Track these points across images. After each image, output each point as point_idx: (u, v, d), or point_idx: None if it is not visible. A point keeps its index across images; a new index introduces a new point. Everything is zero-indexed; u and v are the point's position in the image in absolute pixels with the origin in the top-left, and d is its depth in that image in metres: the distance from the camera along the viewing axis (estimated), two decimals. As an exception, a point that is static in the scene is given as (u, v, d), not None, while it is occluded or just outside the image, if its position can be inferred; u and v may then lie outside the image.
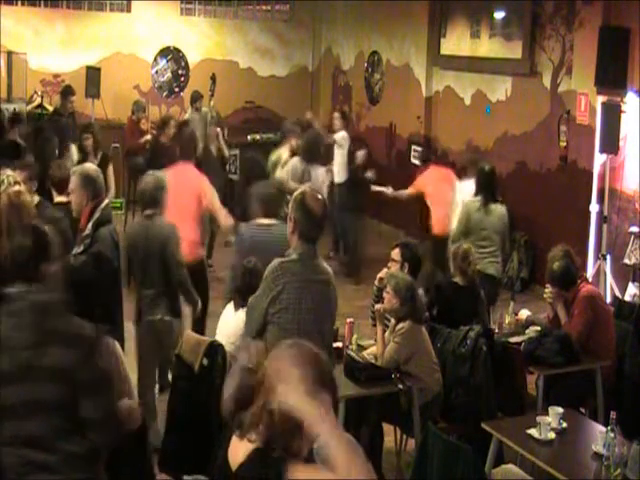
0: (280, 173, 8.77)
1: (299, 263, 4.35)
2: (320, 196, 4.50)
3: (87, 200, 5.35)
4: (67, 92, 11.92)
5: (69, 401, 3.17)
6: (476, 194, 7.56)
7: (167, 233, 5.86)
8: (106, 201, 5.51)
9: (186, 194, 7.11)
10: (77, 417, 3.19)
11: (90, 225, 5.19)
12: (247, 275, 5.42)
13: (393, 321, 5.49)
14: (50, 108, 12.27)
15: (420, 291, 5.65)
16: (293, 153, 9.07)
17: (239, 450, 2.69)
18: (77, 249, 5.11)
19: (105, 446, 3.28)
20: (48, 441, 3.19)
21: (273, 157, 9.25)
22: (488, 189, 7.48)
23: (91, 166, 5.55)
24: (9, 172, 5.38)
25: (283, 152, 9.29)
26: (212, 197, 7.29)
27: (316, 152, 8.77)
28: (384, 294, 5.49)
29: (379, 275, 6.05)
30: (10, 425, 3.22)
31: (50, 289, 3.27)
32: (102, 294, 4.90)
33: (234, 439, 2.73)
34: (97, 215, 5.26)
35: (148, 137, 12.00)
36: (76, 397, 3.17)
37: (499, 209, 7.50)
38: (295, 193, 4.52)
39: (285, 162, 8.94)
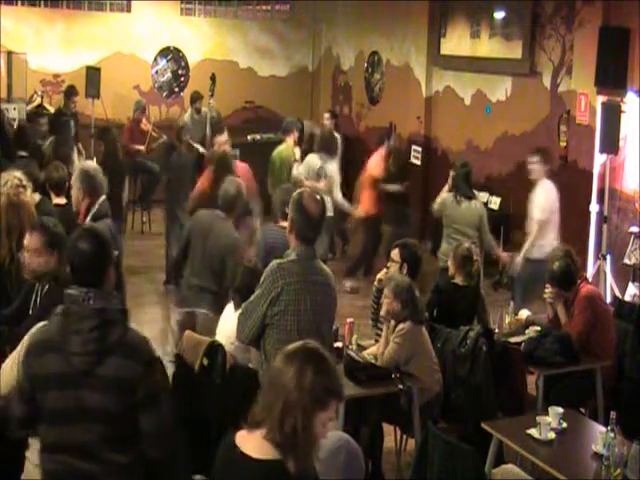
0: (296, 171, 8.84)
1: (298, 264, 4.34)
2: (318, 197, 4.49)
3: (84, 195, 5.34)
4: (70, 92, 11.94)
5: (120, 412, 3.10)
6: (450, 190, 7.91)
7: (232, 243, 6.00)
8: (103, 197, 5.49)
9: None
10: (126, 428, 3.13)
11: (89, 219, 5.17)
12: (247, 275, 5.41)
13: (393, 322, 5.48)
14: (50, 108, 12.26)
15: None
16: (305, 151, 9.15)
17: (249, 440, 2.71)
18: None
19: (157, 460, 3.20)
20: (92, 450, 3.12)
21: (283, 154, 9.26)
22: (462, 186, 7.78)
23: (91, 163, 5.55)
24: (17, 174, 5.38)
25: (292, 149, 9.33)
26: None
27: (334, 147, 8.89)
28: (383, 298, 5.49)
29: (378, 276, 6.06)
30: (54, 431, 3.17)
31: (111, 296, 3.21)
32: None
33: (244, 432, 2.74)
34: (95, 209, 5.25)
35: (141, 147, 11.97)
36: (130, 410, 3.10)
37: (473, 205, 7.75)
38: (294, 193, 4.52)
39: (298, 159, 9.01)
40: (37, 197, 6.02)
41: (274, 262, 4.39)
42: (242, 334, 4.41)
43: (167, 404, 3.22)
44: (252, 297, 4.39)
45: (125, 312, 3.24)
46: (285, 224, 5.82)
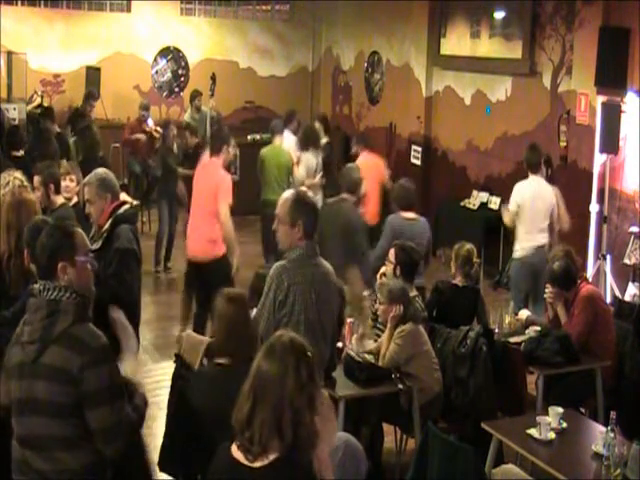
0: (298, 172, 8.92)
1: (300, 262, 4.38)
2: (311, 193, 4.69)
3: (108, 203, 5.21)
4: (89, 96, 12.01)
5: (65, 406, 3.14)
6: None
7: (356, 219, 6.99)
8: (128, 204, 5.34)
9: (205, 191, 7.10)
10: (76, 427, 3.17)
11: (109, 222, 5.06)
12: (260, 281, 5.43)
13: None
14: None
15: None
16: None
17: (246, 450, 2.67)
18: (95, 245, 5.02)
19: (112, 456, 3.25)
20: (44, 446, 3.18)
21: (281, 158, 9.26)
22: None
23: (100, 171, 5.41)
24: (17, 174, 5.36)
25: (285, 150, 9.36)
26: (223, 200, 7.06)
27: (318, 140, 8.98)
28: (377, 304, 5.50)
29: (378, 276, 6.05)
30: (16, 422, 3.26)
31: (69, 289, 3.25)
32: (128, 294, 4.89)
33: (238, 443, 2.69)
34: (118, 214, 5.11)
35: (140, 136, 11.98)
36: (75, 405, 3.14)
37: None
38: (288, 197, 4.51)
39: (297, 161, 9.07)
40: (60, 200, 6.06)
41: (277, 264, 4.42)
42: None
43: (115, 402, 3.20)
44: (257, 309, 4.42)
45: (82, 305, 3.26)
46: (408, 215, 6.99)
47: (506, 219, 7.86)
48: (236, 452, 2.68)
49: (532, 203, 7.62)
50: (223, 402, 3.29)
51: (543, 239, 7.64)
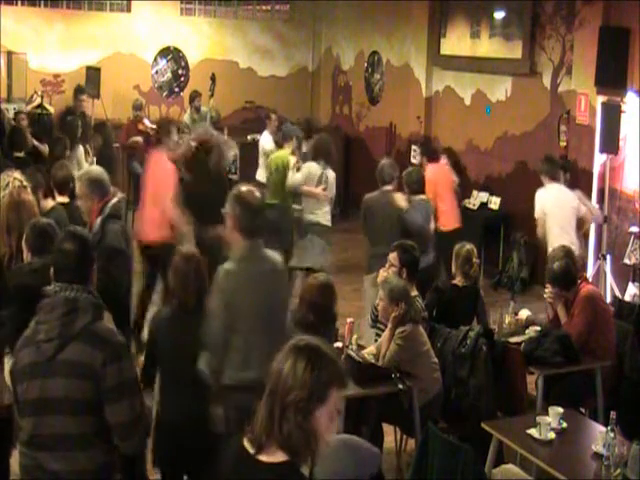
0: (293, 177, 8.81)
1: (244, 262, 4.33)
2: (257, 191, 4.50)
3: (96, 202, 5.30)
4: (77, 91, 11.97)
5: (83, 401, 3.16)
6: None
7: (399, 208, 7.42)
8: (116, 198, 5.42)
9: (157, 180, 7.53)
10: (91, 424, 3.18)
11: (99, 221, 5.15)
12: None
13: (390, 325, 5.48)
14: (50, 108, 12.27)
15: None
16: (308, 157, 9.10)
17: (258, 444, 2.67)
18: None
19: (130, 451, 3.29)
20: (59, 446, 3.18)
21: (279, 160, 9.21)
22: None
23: (95, 168, 5.50)
24: (16, 174, 5.38)
25: (289, 155, 9.30)
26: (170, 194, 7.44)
27: (332, 153, 8.86)
28: (379, 301, 5.49)
29: (378, 278, 6.04)
30: (26, 423, 3.25)
31: (85, 289, 3.29)
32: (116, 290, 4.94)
33: (251, 436, 2.69)
34: (107, 211, 5.21)
35: (137, 138, 11.96)
36: (93, 401, 3.16)
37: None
38: (231, 194, 4.48)
39: (295, 166, 8.96)
40: (50, 203, 6.06)
41: (222, 267, 4.35)
42: (213, 363, 4.30)
43: (134, 397, 3.25)
44: (209, 322, 4.36)
45: (99, 306, 3.30)
46: (421, 197, 7.56)
47: (539, 231, 7.80)
48: (246, 441, 2.69)
49: (556, 209, 7.62)
50: (181, 333, 4.36)
51: (572, 244, 7.58)
